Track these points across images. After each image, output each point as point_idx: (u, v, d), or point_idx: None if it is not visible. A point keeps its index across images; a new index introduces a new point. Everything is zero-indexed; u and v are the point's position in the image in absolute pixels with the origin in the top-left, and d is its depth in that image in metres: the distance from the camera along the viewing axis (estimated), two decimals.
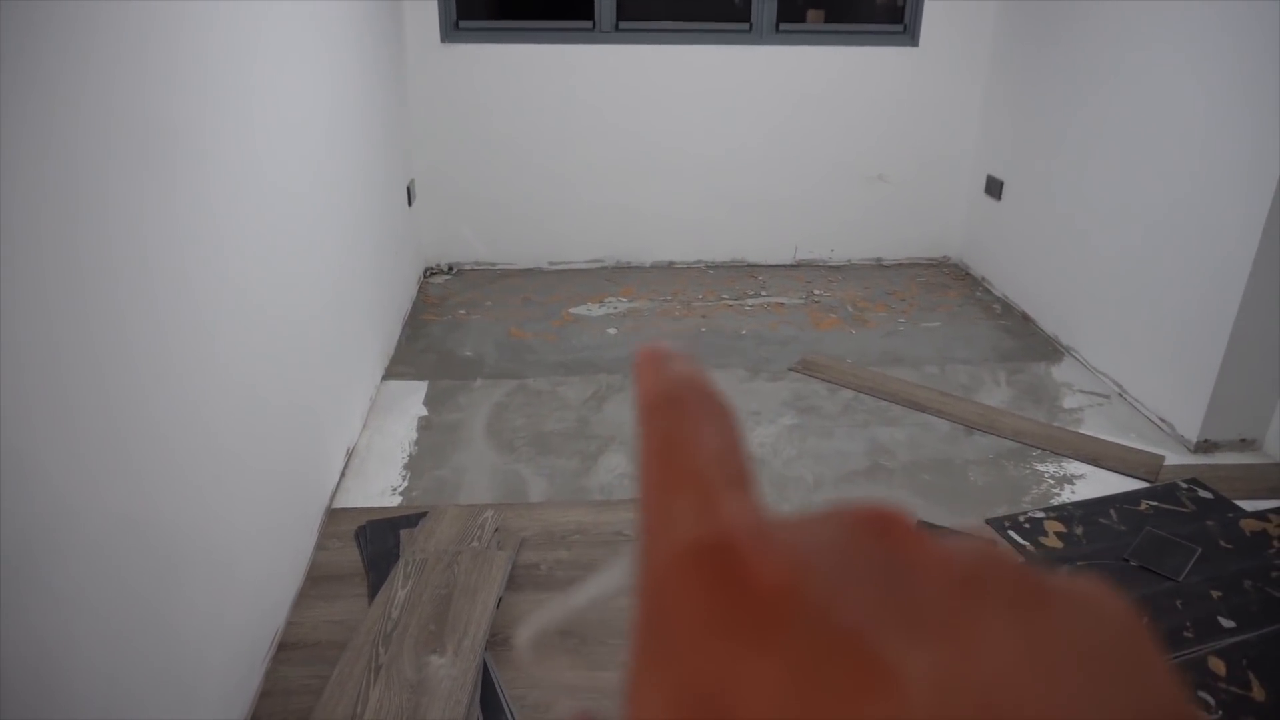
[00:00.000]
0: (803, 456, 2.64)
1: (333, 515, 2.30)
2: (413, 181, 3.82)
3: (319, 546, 2.18)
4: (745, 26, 3.86)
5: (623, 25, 3.80)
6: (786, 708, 0.13)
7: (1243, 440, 2.68)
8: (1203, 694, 1.78)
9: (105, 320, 1.25)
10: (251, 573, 1.78)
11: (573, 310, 3.68)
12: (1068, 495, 2.48)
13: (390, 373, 3.10)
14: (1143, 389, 2.94)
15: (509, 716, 1.72)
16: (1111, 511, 2.39)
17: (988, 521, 2.34)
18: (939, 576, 0.15)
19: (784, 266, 4.22)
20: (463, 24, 3.76)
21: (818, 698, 0.13)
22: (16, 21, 1.06)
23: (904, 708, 0.13)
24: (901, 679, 0.13)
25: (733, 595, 0.14)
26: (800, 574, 0.15)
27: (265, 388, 1.88)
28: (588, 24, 3.79)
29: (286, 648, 1.88)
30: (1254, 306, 2.51)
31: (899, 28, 3.94)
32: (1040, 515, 2.37)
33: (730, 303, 3.79)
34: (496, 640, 1.89)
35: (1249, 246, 2.47)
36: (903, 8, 3.94)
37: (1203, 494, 2.46)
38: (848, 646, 0.13)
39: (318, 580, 2.08)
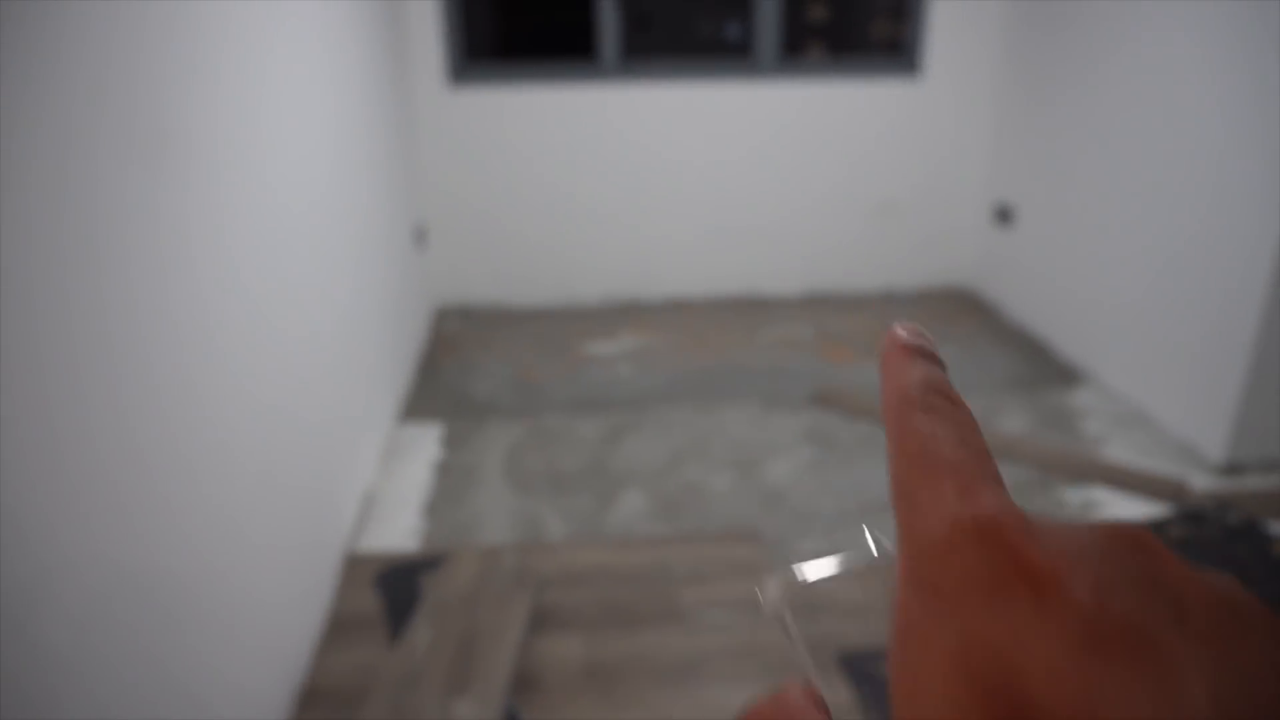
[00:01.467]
0: (823, 490, 2.62)
1: (352, 561, 2.28)
2: (423, 224, 3.85)
3: (339, 593, 2.16)
4: (749, 63, 3.90)
5: (627, 65, 3.84)
6: (1073, 670, 0.14)
7: (1271, 461, 2.65)
8: None
9: (111, 365, 1.25)
10: (269, 622, 1.76)
11: (585, 348, 3.68)
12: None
13: (404, 416, 3.10)
14: (1165, 412, 2.91)
15: None
16: None
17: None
18: (1194, 598, 0.16)
19: (795, 299, 4.22)
20: (468, 68, 3.81)
21: (1108, 674, 0.14)
22: (36, 26, 1.07)
23: (1183, 700, 0.14)
24: (1182, 666, 0.14)
25: (1010, 567, 0.16)
26: (1070, 564, 0.16)
27: (277, 435, 1.88)
28: (592, 65, 3.83)
29: (309, 696, 1.85)
30: (1275, 322, 2.49)
31: (902, 60, 3.97)
32: None
33: (742, 336, 3.79)
34: (520, 683, 1.86)
35: (1267, 264, 2.46)
36: (905, 39, 3.98)
37: (1231, 518, 2.42)
38: (1130, 632, 0.15)
39: (339, 627, 2.05)
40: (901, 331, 0.24)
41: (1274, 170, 2.42)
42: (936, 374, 0.23)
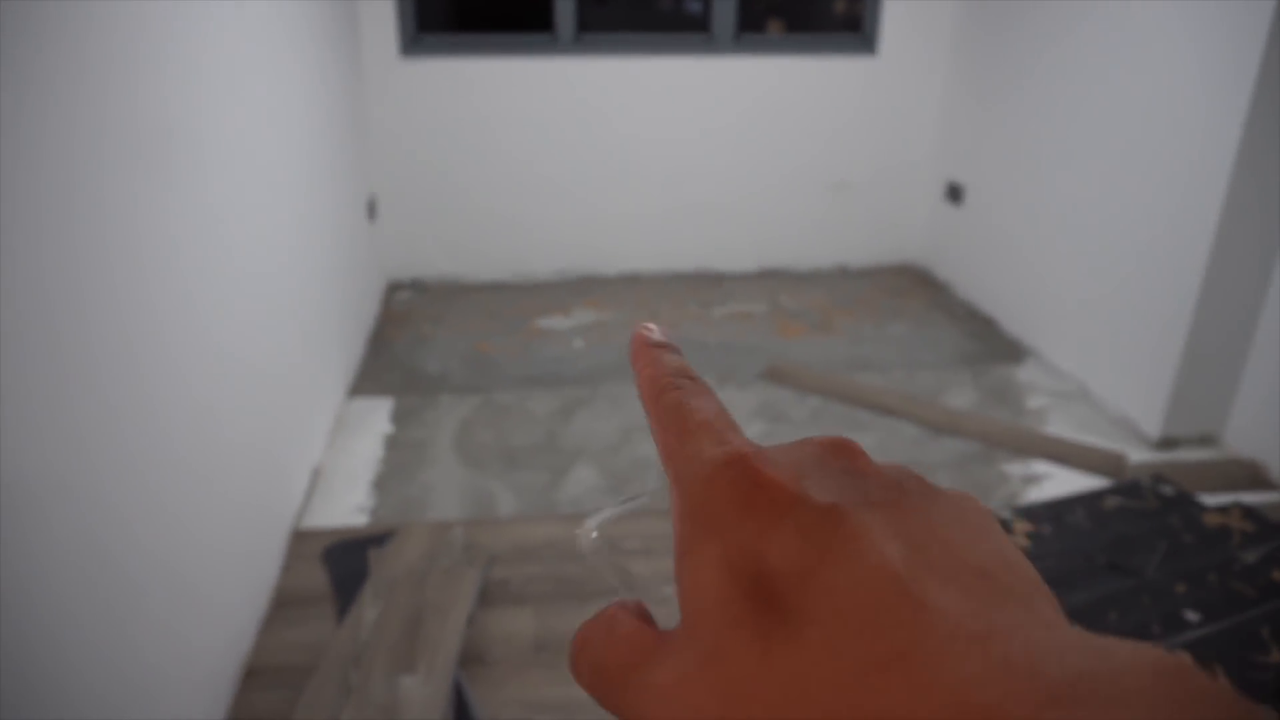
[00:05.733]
0: None
1: (299, 537, 2.26)
2: (375, 197, 3.79)
3: (285, 569, 2.14)
4: (706, 37, 3.88)
5: (583, 37, 3.80)
6: (801, 553, 0.20)
7: (1202, 436, 2.73)
8: None
9: (76, 339, 1.22)
10: (215, 597, 1.74)
11: (538, 323, 3.67)
12: (1034, 495, 2.50)
13: (355, 390, 3.06)
14: (1105, 388, 2.99)
15: None
16: (1078, 509, 2.42)
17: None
18: (878, 480, 0.23)
19: (749, 274, 4.24)
20: (422, 38, 3.74)
21: (820, 544, 0.20)
22: (13, 21, 1.03)
23: (873, 545, 0.20)
24: (869, 530, 0.20)
25: (756, 489, 0.21)
26: (795, 475, 0.22)
27: (225, 408, 1.85)
28: (548, 36, 3.79)
29: (254, 673, 1.84)
30: (1210, 305, 2.56)
31: (858, 37, 3.98)
32: (1008, 515, 2.39)
33: (696, 312, 3.80)
34: (469, 658, 1.87)
35: (1203, 246, 2.52)
36: (861, 17, 3.99)
37: (1166, 490, 2.50)
38: (833, 514, 0.21)
39: (285, 603, 2.04)
40: (646, 331, 0.29)
41: (1213, 156, 2.47)
42: (680, 361, 0.28)
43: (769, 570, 0.20)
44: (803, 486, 0.21)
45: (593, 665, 0.23)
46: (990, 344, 3.51)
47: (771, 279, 4.20)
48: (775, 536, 0.20)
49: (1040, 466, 2.64)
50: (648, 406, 0.27)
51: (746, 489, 0.22)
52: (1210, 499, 2.45)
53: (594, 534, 0.28)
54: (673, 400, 0.26)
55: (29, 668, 1.11)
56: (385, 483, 2.53)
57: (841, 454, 0.23)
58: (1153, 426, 2.74)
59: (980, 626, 0.18)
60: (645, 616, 0.24)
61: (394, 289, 4.01)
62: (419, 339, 3.50)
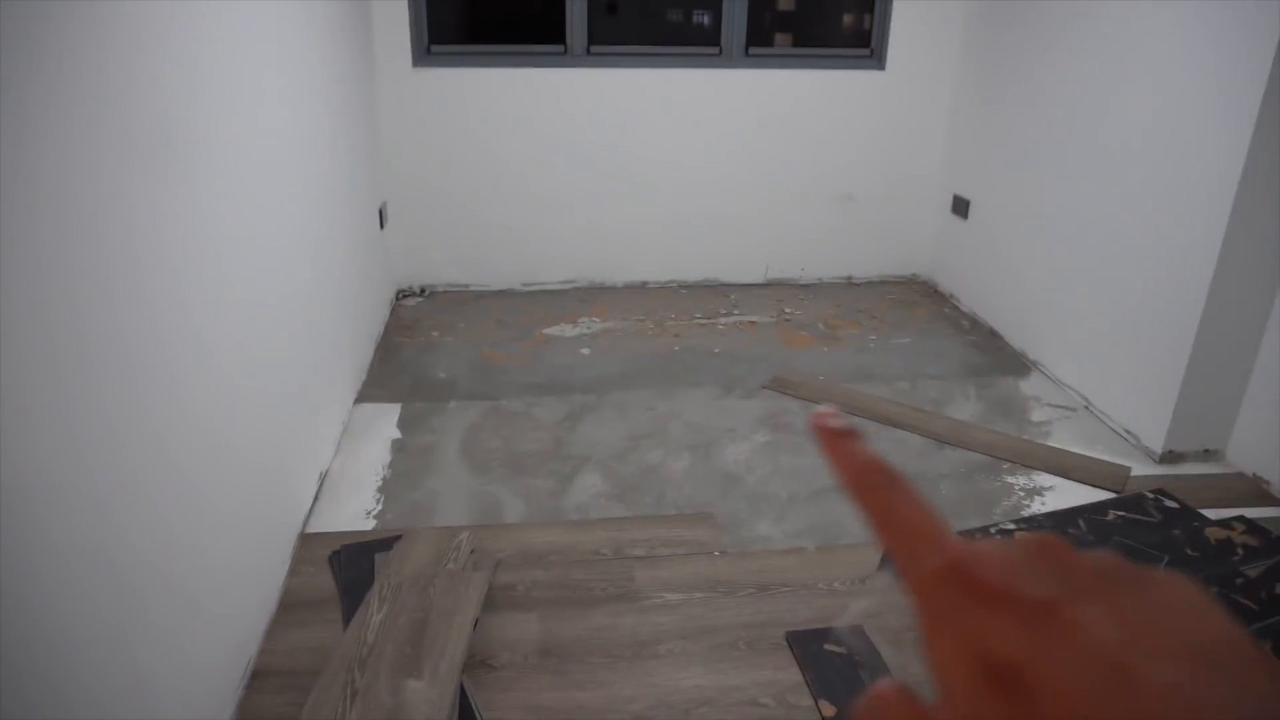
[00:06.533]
0: (777, 473, 2.66)
1: (306, 540, 2.28)
2: (385, 204, 3.82)
3: (292, 572, 2.16)
4: (715, 50, 3.91)
5: (594, 49, 3.84)
6: (1026, 642, 0.23)
7: (1205, 450, 2.74)
8: None
9: (77, 342, 1.24)
10: (222, 600, 1.76)
11: (546, 331, 3.69)
12: (1037, 507, 2.51)
13: (363, 396, 3.09)
14: (1109, 402, 3.00)
15: None
16: (1080, 522, 2.43)
17: (959, 533, 2.36)
18: (1087, 573, 0.25)
19: (756, 285, 4.26)
20: (435, 49, 3.78)
21: (1041, 634, 0.23)
22: (17, 23, 1.06)
23: (1091, 632, 0.22)
24: (1085, 619, 0.23)
25: (980, 594, 0.24)
26: (1010, 577, 0.25)
27: (234, 412, 1.87)
28: (559, 48, 3.82)
29: (260, 676, 1.86)
30: (1214, 321, 2.57)
31: (866, 51, 4.01)
32: (1011, 527, 2.40)
33: (703, 322, 3.82)
34: (474, 662, 1.88)
35: (1208, 262, 2.53)
36: (869, 31, 4.02)
37: (1168, 503, 2.51)
38: (1049, 607, 0.23)
39: (291, 606, 2.06)
40: (827, 419, 0.31)
41: (1219, 172, 2.49)
42: (870, 452, 0.30)
43: (1001, 658, 0.23)
44: (1018, 586, 0.24)
45: None
46: (995, 356, 3.52)
47: (778, 289, 4.22)
48: (1001, 631, 0.23)
49: (1043, 479, 2.65)
50: (859, 505, 0.29)
51: (971, 593, 0.25)
52: (1212, 513, 2.46)
53: (854, 615, 0.30)
54: (883, 504, 0.28)
55: (30, 669, 1.13)
56: (392, 488, 2.55)
57: (1048, 553, 0.26)
58: (1156, 440, 2.75)
59: (1193, 700, 0.21)
60: (910, 694, 0.28)
61: (403, 296, 4.04)
62: (427, 346, 3.53)
